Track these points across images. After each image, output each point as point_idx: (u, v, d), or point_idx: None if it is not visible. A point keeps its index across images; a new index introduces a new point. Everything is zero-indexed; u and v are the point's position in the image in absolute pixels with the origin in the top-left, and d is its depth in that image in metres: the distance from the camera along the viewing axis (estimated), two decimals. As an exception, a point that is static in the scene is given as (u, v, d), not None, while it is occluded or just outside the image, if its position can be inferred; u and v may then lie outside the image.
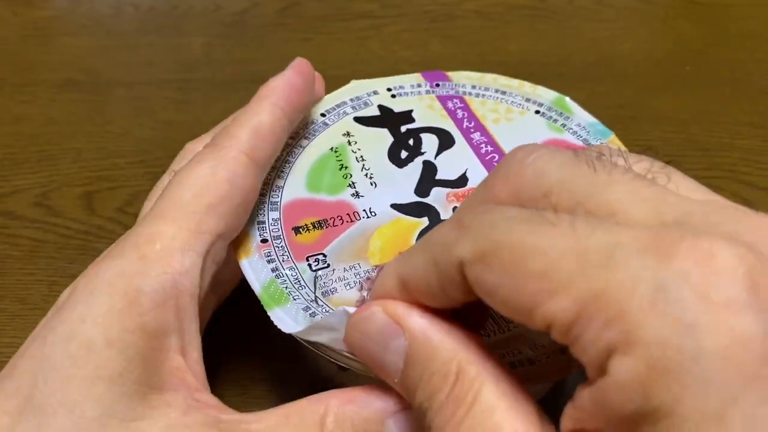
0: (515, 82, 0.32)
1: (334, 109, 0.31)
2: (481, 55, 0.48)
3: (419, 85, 0.32)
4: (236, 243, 0.25)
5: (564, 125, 0.30)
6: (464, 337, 0.18)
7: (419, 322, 0.18)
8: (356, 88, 0.32)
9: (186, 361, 0.21)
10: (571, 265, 0.14)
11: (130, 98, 0.44)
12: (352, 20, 0.51)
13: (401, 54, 0.48)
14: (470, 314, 0.19)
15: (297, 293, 0.24)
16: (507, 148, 0.29)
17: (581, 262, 0.14)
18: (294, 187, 0.27)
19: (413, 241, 0.26)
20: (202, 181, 0.23)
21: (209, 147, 0.24)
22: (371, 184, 0.27)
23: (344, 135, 0.29)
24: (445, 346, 0.18)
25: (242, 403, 0.27)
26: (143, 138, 0.42)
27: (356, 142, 0.29)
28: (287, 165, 0.28)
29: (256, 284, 0.24)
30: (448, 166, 0.28)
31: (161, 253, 0.21)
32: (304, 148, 0.29)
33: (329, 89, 0.32)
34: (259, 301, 0.24)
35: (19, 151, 0.41)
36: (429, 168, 0.28)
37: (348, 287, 0.25)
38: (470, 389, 0.17)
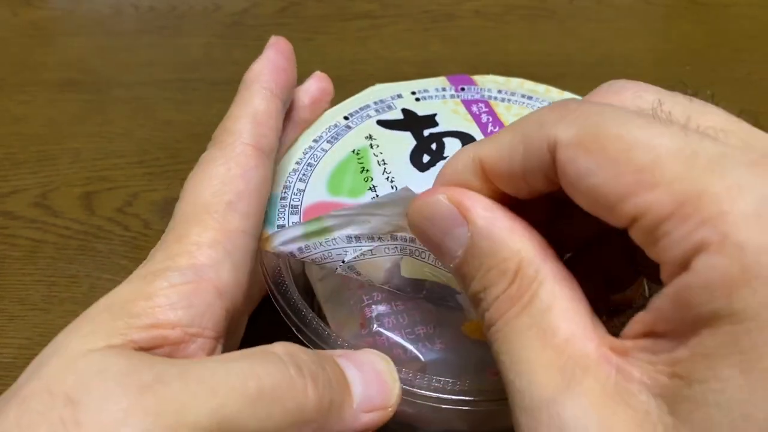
0: (542, 87, 0.32)
1: (358, 112, 0.30)
2: (481, 55, 0.48)
3: (444, 89, 0.32)
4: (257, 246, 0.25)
5: None
6: (527, 234, 0.18)
7: (483, 215, 0.18)
8: (381, 91, 0.31)
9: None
10: (678, 164, 0.15)
11: (129, 98, 0.44)
12: (352, 20, 0.51)
13: (401, 54, 0.48)
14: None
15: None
16: None
17: (689, 163, 0.15)
18: (315, 190, 0.27)
19: None
20: (218, 179, 0.23)
21: (214, 146, 0.24)
22: (392, 187, 0.27)
23: (366, 138, 0.29)
24: (506, 242, 0.17)
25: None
26: (143, 138, 0.42)
27: (378, 146, 0.29)
28: (309, 168, 0.28)
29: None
30: None
31: (188, 248, 0.21)
32: (327, 151, 0.29)
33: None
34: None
35: (19, 151, 0.41)
36: None
37: None
38: (528, 289, 0.17)
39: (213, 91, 0.45)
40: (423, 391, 0.22)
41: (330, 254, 0.25)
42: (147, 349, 0.19)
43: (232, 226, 0.22)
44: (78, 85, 0.45)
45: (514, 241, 0.17)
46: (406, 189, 0.21)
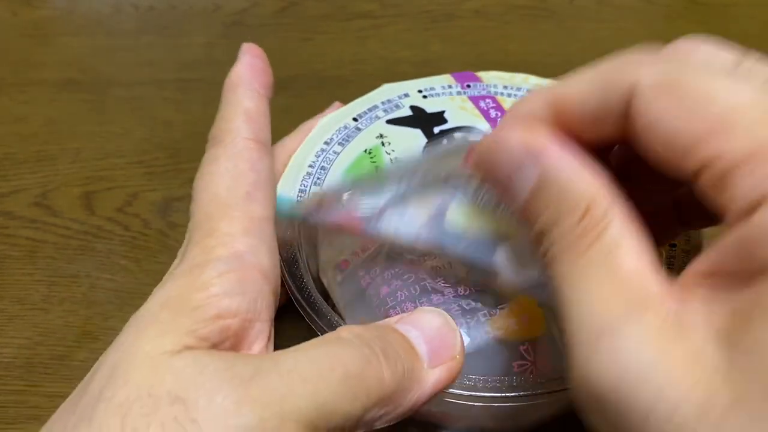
0: (546, 82, 0.32)
1: (366, 113, 0.31)
2: (481, 55, 0.48)
3: (450, 86, 0.32)
4: None
5: None
6: (597, 174, 0.18)
7: (554, 153, 0.18)
8: (387, 91, 0.32)
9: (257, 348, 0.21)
10: (757, 114, 0.15)
11: (129, 98, 0.44)
12: (352, 20, 0.51)
13: (401, 54, 0.48)
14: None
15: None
16: None
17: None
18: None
19: None
20: (228, 175, 0.23)
21: (214, 146, 0.24)
22: None
23: (377, 137, 0.29)
24: (577, 181, 0.18)
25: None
26: (143, 138, 0.42)
27: (390, 143, 0.29)
28: (323, 171, 0.28)
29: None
30: None
31: (223, 239, 0.21)
32: (339, 153, 0.29)
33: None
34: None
35: (18, 151, 0.41)
36: None
37: None
38: (596, 226, 0.17)
39: (213, 91, 0.44)
40: (454, 390, 0.23)
41: (367, 204, 0.25)
42: (217, 344, 0.19)
43: (257, 214, 0.22)
44: (78, 85, 0.45)
45: (585, 179, 0.18)
46: (463, 135, 0.22)
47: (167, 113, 0.43)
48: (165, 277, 0.21)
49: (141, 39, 0.49)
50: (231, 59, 0.48)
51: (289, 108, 0.44)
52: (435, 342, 0.21)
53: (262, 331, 0.21)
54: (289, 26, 0.50)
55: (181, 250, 0.22)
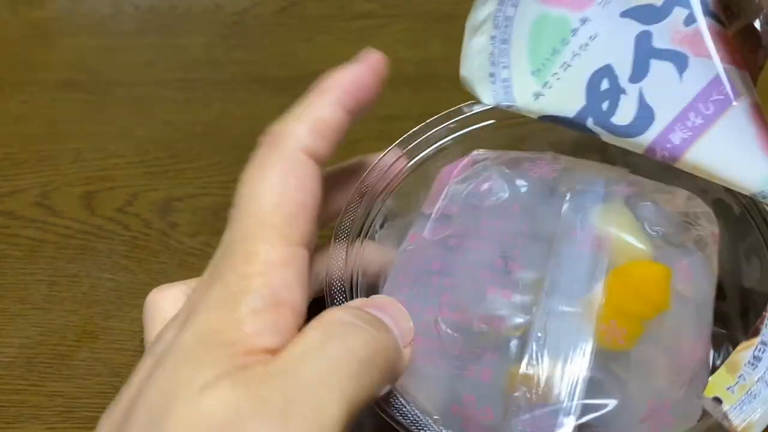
0: None
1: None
2: (481, 55, 0.48)
3: None
4: None
5: None
6: None
7: None
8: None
9: None
10: None
11: (130, 98, 0.44)
12: (352, 20, 0.51)
13: (401, 54, 0.48)
14: None
15: None
16: None
17: None
18: None
19: None
20: (276, 191, 0.22)
21: (269, 144, 0.23)
22: None
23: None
24: None
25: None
26: (143, 138, 0.42)
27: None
28: None
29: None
30: None
31: (260, 268, 0.20)
32: None
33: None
34: None
35: (19, 151, 0.41)
36: None
37: None
38: None
39: (213, 91, 0.45)
40: None
41: None
42: (248, 366, 0.19)
43: (296, 240, 0.21)
44: (78, 84, 0.45)
45: None
46: None
47: (168, 113, 0.44)
48: (197, 294, 0.21)
49: (141, 39, 0.49)
50: (231, 59, 0.48)
51: (289, 108, 0.44)
52: (401, 324, 0.23)
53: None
54: (289, 26, 0.50)
55: (214, 261, 0.22)
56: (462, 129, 0.31)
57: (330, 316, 0.21)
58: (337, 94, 0.24)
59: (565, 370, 0.23)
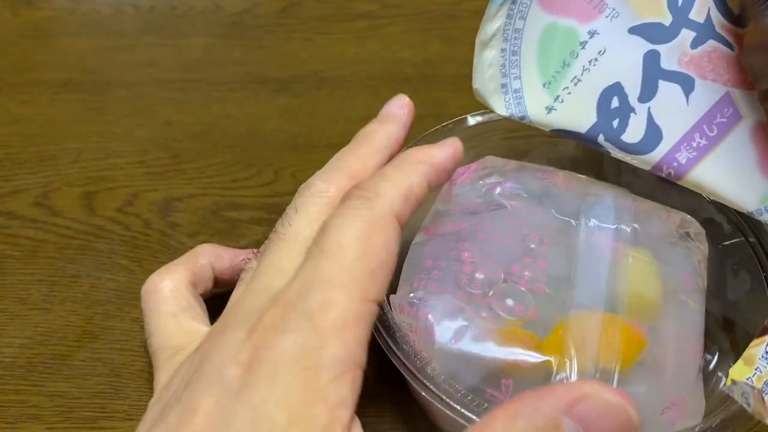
0: None
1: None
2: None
3: None
4: None
5: None
6: None
7: None
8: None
9: None
10: None
11: (130, 98, 0.44)
12: (352, 20, 0.51)
13: (401, 54, 0.48)
14: None
15: None
16: None
17: None
18: None
19: None
20: (362, 242, 0.22)
21: (361, 199, 0.23)
22: None
23: None
24: None
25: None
26: (143, 138, 0.42)
27: None
28: None
29: None
30: None
31: (336, 324, 0.20)
32: None
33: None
34: None
35: (19, 151, 0.41)
36: None
37: None
38: None
39: (213, 91, 0.45)
40: None
41: None
42: None
43: (371, 296, 0.21)
44: (78, 85, 0.45)
45: None
46: None
47: (168, 113, 0.44)
48: (253, 318, 0.21)
49: (141, 39, 0.49)
50: (231, 59, 0.48)
51: (289, 108, 0.44)
52: None
53: (357, 425, 0.20)
54: (289, 26, 0.50)
55: (286, 291, 0.21)
56: (466, 140, 0.32)
57: None
58: (428, 168, 0.24)
59: (600, 361, 0.24)
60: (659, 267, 0.27)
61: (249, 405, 0.19)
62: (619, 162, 0.29)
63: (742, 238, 0.30)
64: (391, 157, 0.26)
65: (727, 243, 0.30)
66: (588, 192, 0.30)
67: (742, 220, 0.30)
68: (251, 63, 0.47)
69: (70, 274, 0.35)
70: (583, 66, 0.28)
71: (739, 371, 0.23)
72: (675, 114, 0.27)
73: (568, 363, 0.24)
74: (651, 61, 0.27)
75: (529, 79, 0.29)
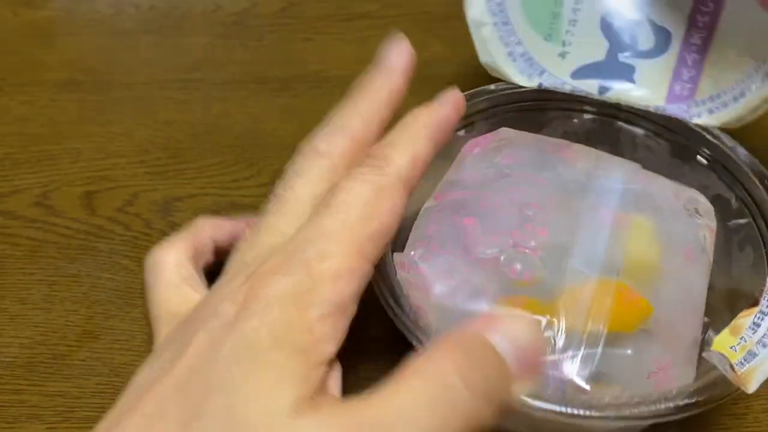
0: None
1: None
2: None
3: None
4: None
5: None
6: None
7: None
8: None
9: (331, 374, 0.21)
10: None
11: (130, 98, 0.44)
12: (352, 20, 0.51)
13: (401, 54, 0.48)
14: None
15: None
16: None
17: None
18: None
19: None
20: (368, 206, 0.22)
21: (370, 166, 0.23)
22: None
23: None
24: None
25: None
26: (144, 138, 0.42)
27: None
28: None
29: None
30: None
31: (330, 272, 0.21)
32: None
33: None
34: None
35: (19, 151, 0.41)
36: None
37: None
38: None
39: (214, 91, 0.45)
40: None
41: None
42: (318, 389, 0.20)
43: (367, 256, 0.22)
44: (78, 85, 0.45)
45: None
46: None
47: (168, 113, 0.44)
48: (254, 266, 0.21)
49: (142, 39, 0.49)
50: (232, 59, 0.48)
51: (289, 108, 0.44)
52: (525, 357, 0.21)
53: (337, 367, 0.21)
54: (289, 26, 0.50)
55: (287, 244, 0.22)
56: (485, 109, 0.33)
57: (438, 369, 0.20)
58: (434, 131, 0.25)
59: (588, 322, 0.25)
60: (661, 235, 0.28)
61: (239, 333, 0.20)
62: (634, 137, 0.31)
63: (749, 219, 0.30)
64: (393, 110, 0.26)
65: (735, 222, 0.31)
66: (598, 165, 0.31)
67: (751, 199, 0.30)
68: (251, 63, 0.47)
69: (70, 273, 0.35)
70: (572, 8, 0.31)
71: (723, 340, 0.24)
72: (671, 11, 0.30)
73: (556, 323, 0.25)
74: None
75: (530, 40, 0.31)
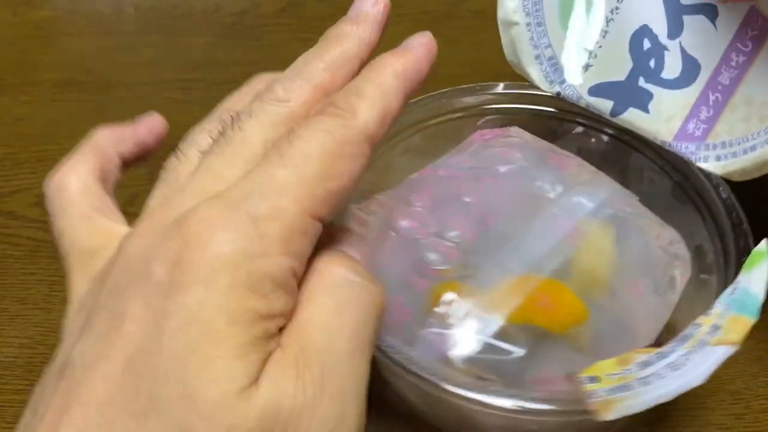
0: None
1: None
2: (482, 55, 0.48)
3: None
4: None
5: None
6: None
7: None
8: None
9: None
10: None
11: (130, 98, 0.44)
12: (352, 20, 0.51)
13: (401, 54, 0.48)
14: None
15: None
16: None
17: None
18: None
19: None
20: (328, 161, 0.20)
21: (334, 116, 0.21)
22: None
23: None
24: None
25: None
26: (143, 138, 0.42)
27: None
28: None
29: None
30: None
31: (282, 234, 0.19)
32: None
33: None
34: None
35: (19, 151, 0.41)
36: None
37: None
38: None
39: (214, 91, 0.45)
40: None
41: None
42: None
43: (320, 215, 0.20)
44: (78, 85, 0.45)
45: None
46: None
47: (168, 113, 0.43)
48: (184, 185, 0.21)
49: (142, 39, 0.49)
50: (232, 59, 0.48)
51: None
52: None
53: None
54: (289, 26, 0.50)
55: (231, 190, 0.19)
56: (502, 103, 0.34)
57: (332, 274, 0.20)
58: (406, 83, 0.22)
59: (488, 312, 0.25)
60: (620, 255, 0.28)
61: (183, 305, 0.18)
62: (642, 168, 0.30)
63: (716, 276, 0.29)
64: (363, 64, 0.23)
65: (704, 276, 0.29)
66: (585, 183, 0.30)
67: (723, 259, 0.29)
68: (252, 62, 0.47)
69: (70, 274, 0.35)
70: (607, 17, 0.30)
71: (606, 366, 0.23)
72: (706, 42, 0.28)
73: (460, 301, 0.26)
74: (670, 0, 0.29)
75: (560, 45, 0.30)
